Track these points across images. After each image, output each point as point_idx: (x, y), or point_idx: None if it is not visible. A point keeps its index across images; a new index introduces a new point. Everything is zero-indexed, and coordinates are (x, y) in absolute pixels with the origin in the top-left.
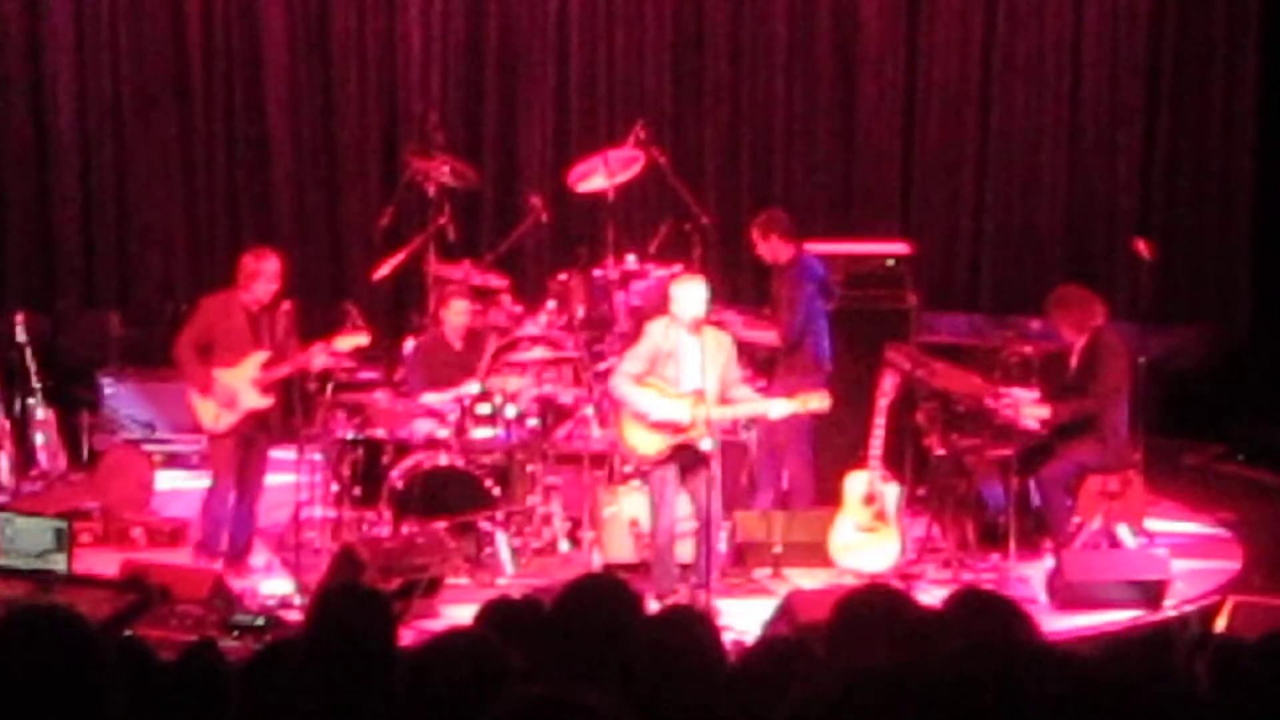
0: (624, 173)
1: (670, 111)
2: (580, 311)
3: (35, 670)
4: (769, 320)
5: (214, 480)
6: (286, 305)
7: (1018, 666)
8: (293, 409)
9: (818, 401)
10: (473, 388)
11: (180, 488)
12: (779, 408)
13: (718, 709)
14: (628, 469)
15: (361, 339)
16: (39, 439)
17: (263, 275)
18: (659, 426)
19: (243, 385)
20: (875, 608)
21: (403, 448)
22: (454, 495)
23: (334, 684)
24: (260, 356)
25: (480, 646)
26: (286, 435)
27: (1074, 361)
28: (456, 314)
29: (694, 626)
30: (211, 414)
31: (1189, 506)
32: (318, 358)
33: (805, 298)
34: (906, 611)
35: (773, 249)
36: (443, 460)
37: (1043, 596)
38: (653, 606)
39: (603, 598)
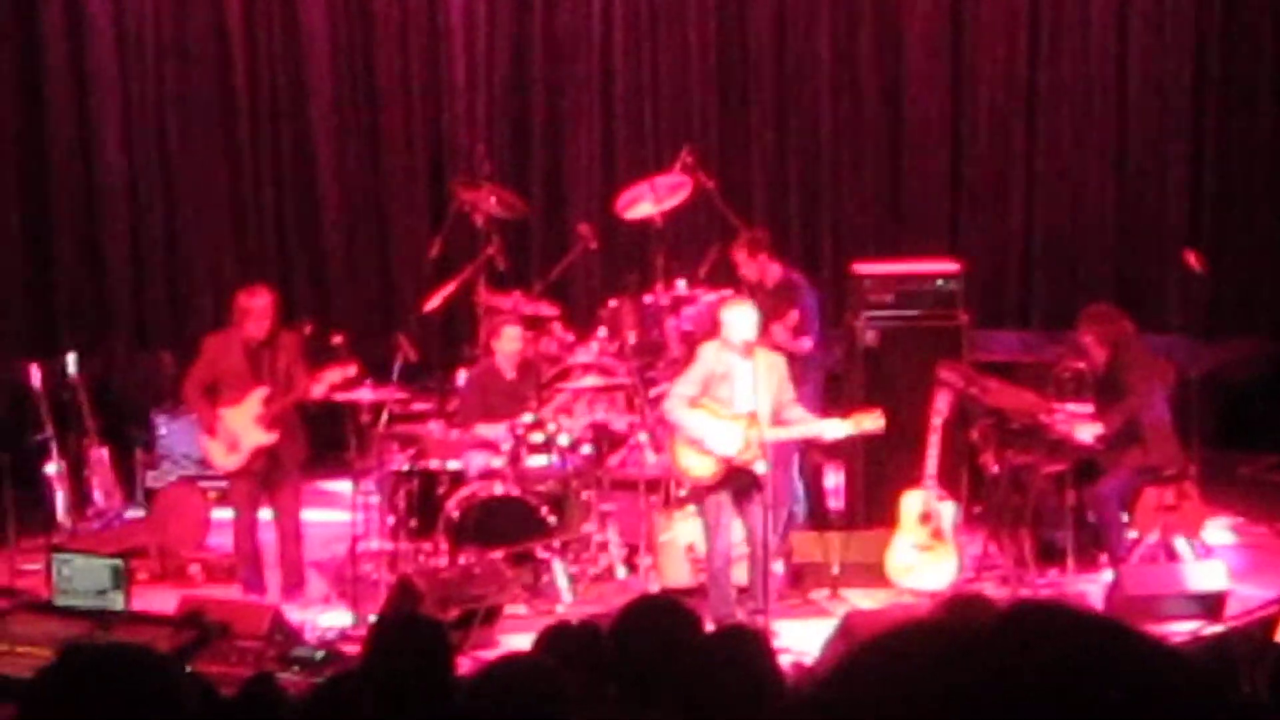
0: (671, 198)
1: (716, 136)
2: (631, 338)
3: (118, 704)
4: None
5: (235, 519)
6: (292, 335)
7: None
8: (347, 442)
9: (872, 422)
10: (528, 419)
11: None
12: (833, 429)
13: None
14: (683, 493)
15: (350, 370)
16: (95, 479)
17: (252, 313)
18: (712, 454)
19: (245, 423)
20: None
21: (458, 478)
22: (510, 524)
23: (393, 714)
24: (261, 393)
25: (538, 671)
26: (311, 467)
27: (1100, 373)
28: (509, 341)
29: (750, 644)
30: (221, 453)
31: (1246, 517)
32: (317, 388)
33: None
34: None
35: (760, 267)
36: (498, 489)
37: (1102, 610)
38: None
39: (660, 617)
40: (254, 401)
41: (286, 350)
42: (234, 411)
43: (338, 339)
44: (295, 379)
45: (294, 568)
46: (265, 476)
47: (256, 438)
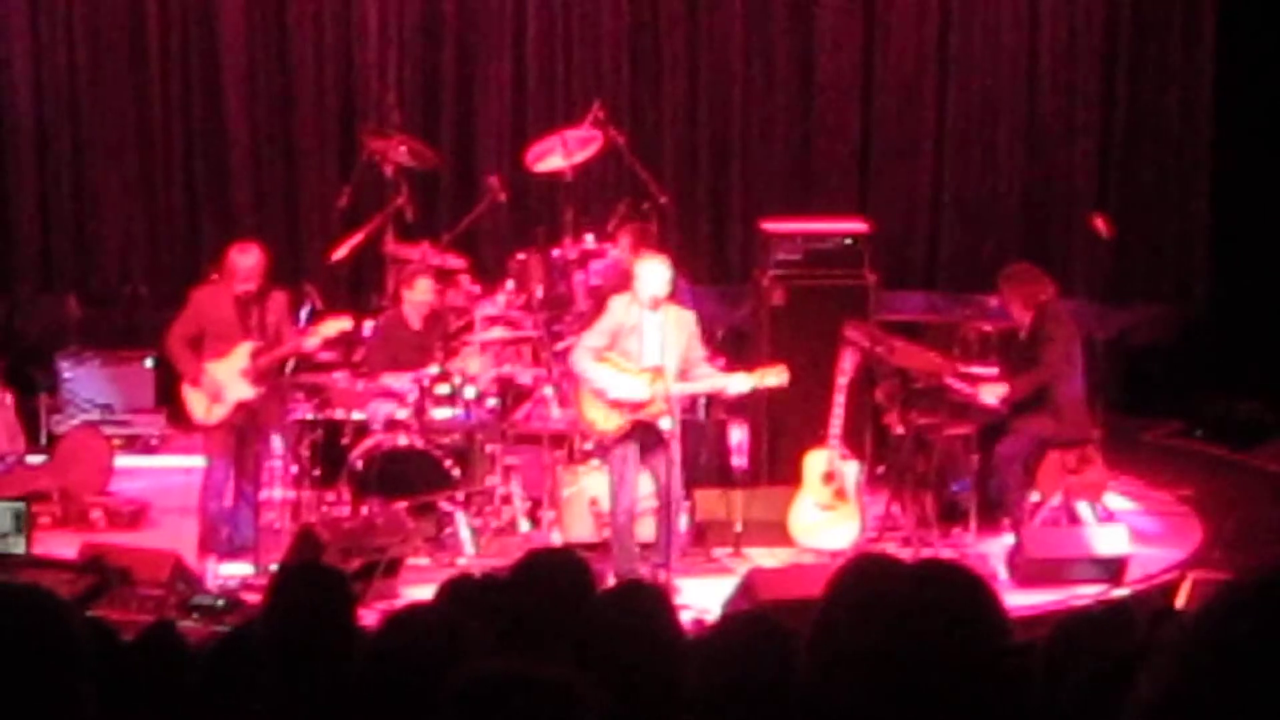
0: (581, 152)
1: (628, 91)
2: (539, 291)
3: (11, 645)
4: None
5: (208, 473)
6: (281, 293)
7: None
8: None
9: (776, 377)
10: (433, 370)
11: (139, 470)
12: (738, 383)
13: (676, 681)
14: (587, 445)
15: (345, 323)
16: None
17: (239, 270)
18: (617, 404)
19: (231, 376)
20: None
21: (362, 428)
22: (413, 476)
23: (294, 664)
24: (249, 346)
25: (441, 621)
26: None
27: (1022, 336)
28: (422, 292)
29: (649, 601)
30: (203, 406)
31: (1148, 483)
32: (309, 340)
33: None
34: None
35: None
36: (402, 441)
37: (1003, 573)
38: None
39: (555, 572)
40: (241, 355)
41: (276, 308)
42: (220, 364)
43: (309, 289)
44: (281, 337)
45: (248, 527)
46: (241, 433)
47: (242, 391)
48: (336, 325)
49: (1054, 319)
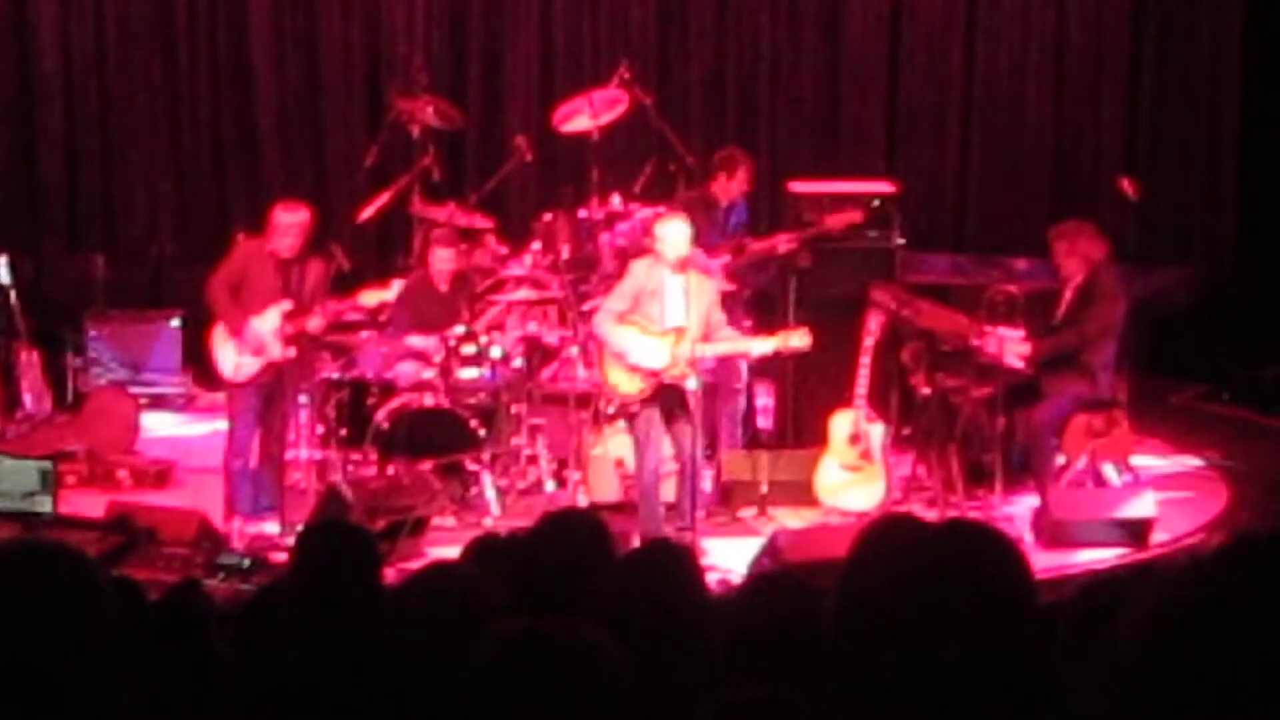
0: (608, 113)
1: (655, 52)
2: (565, 252)
3: (39, 602)
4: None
5: (232, 433)
6: (321, 262)
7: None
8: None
9: (799, 339)
10: (459, 330)
11: (165, 429)
12: (760, 346)
13: (701, 641)
14: (610, 409)
15: (386, 293)
16: (25, 381)
17: (278, 229)
18: (637, 368)
19: (265, 335)
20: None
21: (388, 388)
22: (439, 436)
23: (319, 623)
24: (284, 306)
25: (465, 581)
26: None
27: (1068, 295)
28: (440, 262)
29: (675, 560)
30: (232, 362)
31: (1175, 445)
32: (367, 298)
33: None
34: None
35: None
36: (428, 401)
37: (1029, 534)
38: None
39: (572, 532)
40: (275, 314)
41: (314, 275)
42: (254, 321)
43: (336, 249)
44: (314, 304)
45: (268, 489)
46: (267, 393)
47: (273, 351)
48: (376, 295)
49: (1106, 288)
